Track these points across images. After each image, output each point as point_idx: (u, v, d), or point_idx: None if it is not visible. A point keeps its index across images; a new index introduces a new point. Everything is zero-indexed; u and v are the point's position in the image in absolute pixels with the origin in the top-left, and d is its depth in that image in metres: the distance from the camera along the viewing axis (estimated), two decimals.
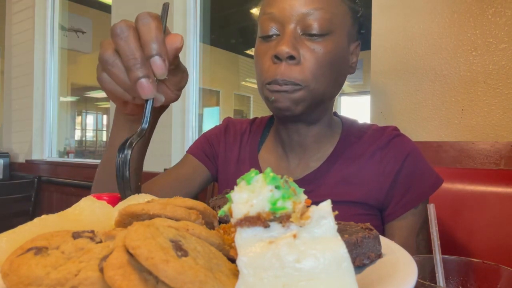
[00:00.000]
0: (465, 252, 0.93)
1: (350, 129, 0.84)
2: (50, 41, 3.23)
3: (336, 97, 0.81)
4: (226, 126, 0.96)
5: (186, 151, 0.97)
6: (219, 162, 0.93)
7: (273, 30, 0.72)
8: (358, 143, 0.80)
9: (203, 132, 1.00)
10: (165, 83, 0.57)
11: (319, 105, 0.75)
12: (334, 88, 0.76)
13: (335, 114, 0.88)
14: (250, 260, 0.26)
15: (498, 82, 1.21)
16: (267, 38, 0.73)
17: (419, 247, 0.75)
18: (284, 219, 0.27)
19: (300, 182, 0.28)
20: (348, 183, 0.76)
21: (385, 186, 0.75)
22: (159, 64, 0.48)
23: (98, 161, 2.83)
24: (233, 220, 0.27)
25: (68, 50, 3.70)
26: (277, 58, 0.69)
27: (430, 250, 0.77)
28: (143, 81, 0.48)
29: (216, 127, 0.99)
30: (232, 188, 0.29)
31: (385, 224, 0.77)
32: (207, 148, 0.94)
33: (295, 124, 0.79)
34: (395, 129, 0.82)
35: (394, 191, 0.75)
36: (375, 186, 0.75)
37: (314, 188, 0.76)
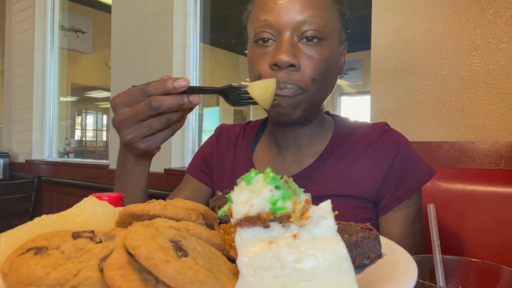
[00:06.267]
0: (465, 252, 0.93)
1: (341, 126, 0.86)
2: (50, 41, 3.22)
3: (329, 97, 0.84)
4: (219, 133, 0.99)
5: (186, 171, 1.00)
6: (213, 167, 0.95)
7: (269, 35, 0.73)
8: (350, 139, 0.82)
9: (201, 141, 1.02)
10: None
11: (315, 107, 0.78)
12: (328, 90, 0.79)
13: (327, 113, 0.90)
14: (250, 260, 0.26)
15: (498, 82, 1.21)
16: (262, 43, 0.74)
17: (415, 236, 0.77)
18: (284, 219, 0.27)
19: (294, 178, 0.29)
20: (342, 178, 0.78)
21: (378, 179, 0.76)
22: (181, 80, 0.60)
23: (98, 161, 2.83)
24: (233, 220, 0.27)
25: (68, 50, 3.69)
26: (277, 65, 0.70)
27: (426, 238, 0.78)
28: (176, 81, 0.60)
29: (209, 138, 1.02)
30: (232, 188, 0.29)
31: (380, 216, 0.78)
32: (202, 164, 0.97)
33: (291, 125, 0.81)
34: (385, 124, 0.84)
35: (387, 184, 0.76)
36: (368, 179, 0.77)
37: (308, 183, 0.78)
